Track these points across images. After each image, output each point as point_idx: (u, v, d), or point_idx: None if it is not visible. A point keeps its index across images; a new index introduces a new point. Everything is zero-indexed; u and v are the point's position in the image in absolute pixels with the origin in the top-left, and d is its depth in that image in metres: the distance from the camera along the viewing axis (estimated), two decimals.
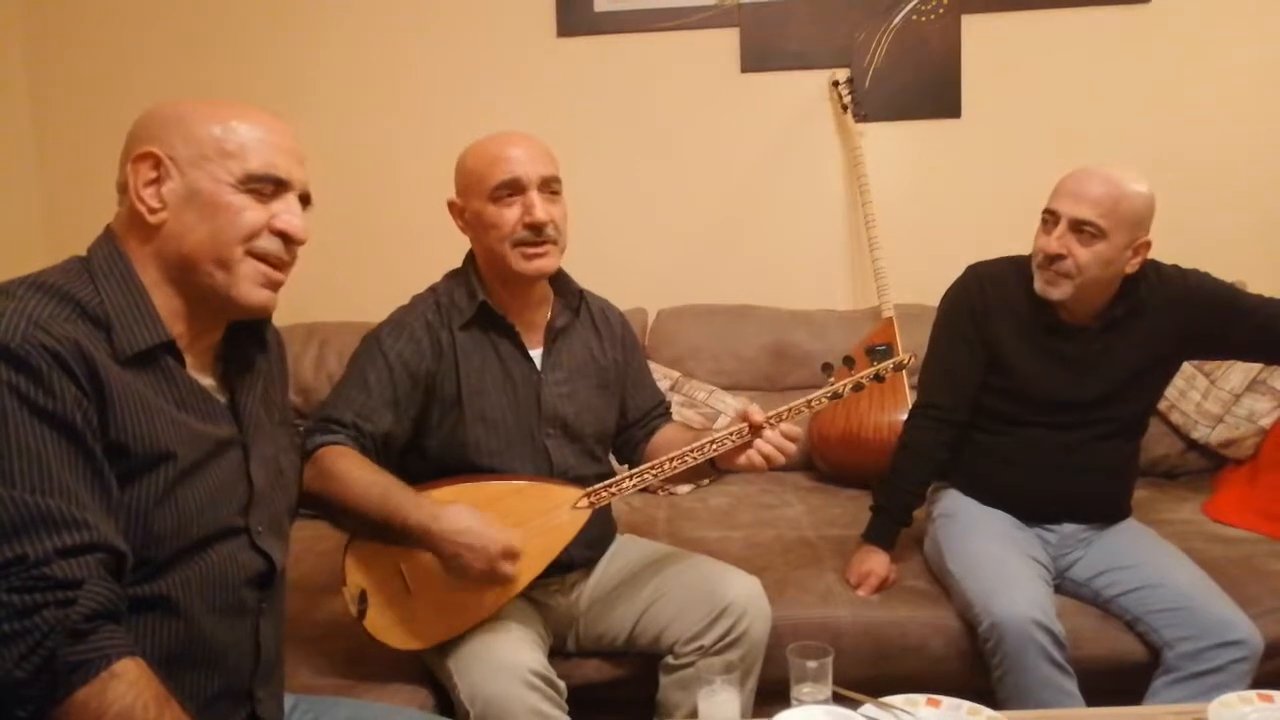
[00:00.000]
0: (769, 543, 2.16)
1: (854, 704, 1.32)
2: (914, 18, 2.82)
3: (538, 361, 1.72)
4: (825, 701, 1.31)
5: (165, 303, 1.10)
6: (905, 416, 2.12)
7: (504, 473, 1.66)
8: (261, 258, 1.13)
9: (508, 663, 1.50)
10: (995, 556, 1.83)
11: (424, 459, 1.67)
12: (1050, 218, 1.84)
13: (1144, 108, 2.82)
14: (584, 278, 1.83)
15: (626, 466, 1.83)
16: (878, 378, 1.64)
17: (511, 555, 1.48)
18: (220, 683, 1.14)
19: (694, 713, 1.40)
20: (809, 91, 2.88)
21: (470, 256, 1.74)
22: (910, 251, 2.78)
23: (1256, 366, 2.47)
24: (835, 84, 2.83)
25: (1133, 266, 1.84)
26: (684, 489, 2.53)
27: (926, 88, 2.85)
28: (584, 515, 1.62)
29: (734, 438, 1.60)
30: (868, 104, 2.83)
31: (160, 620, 1.07)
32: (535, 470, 1.69)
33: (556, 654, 1.75)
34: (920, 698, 1.38)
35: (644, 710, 1.76)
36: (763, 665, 1.70)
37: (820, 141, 2.90)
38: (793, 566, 2.03)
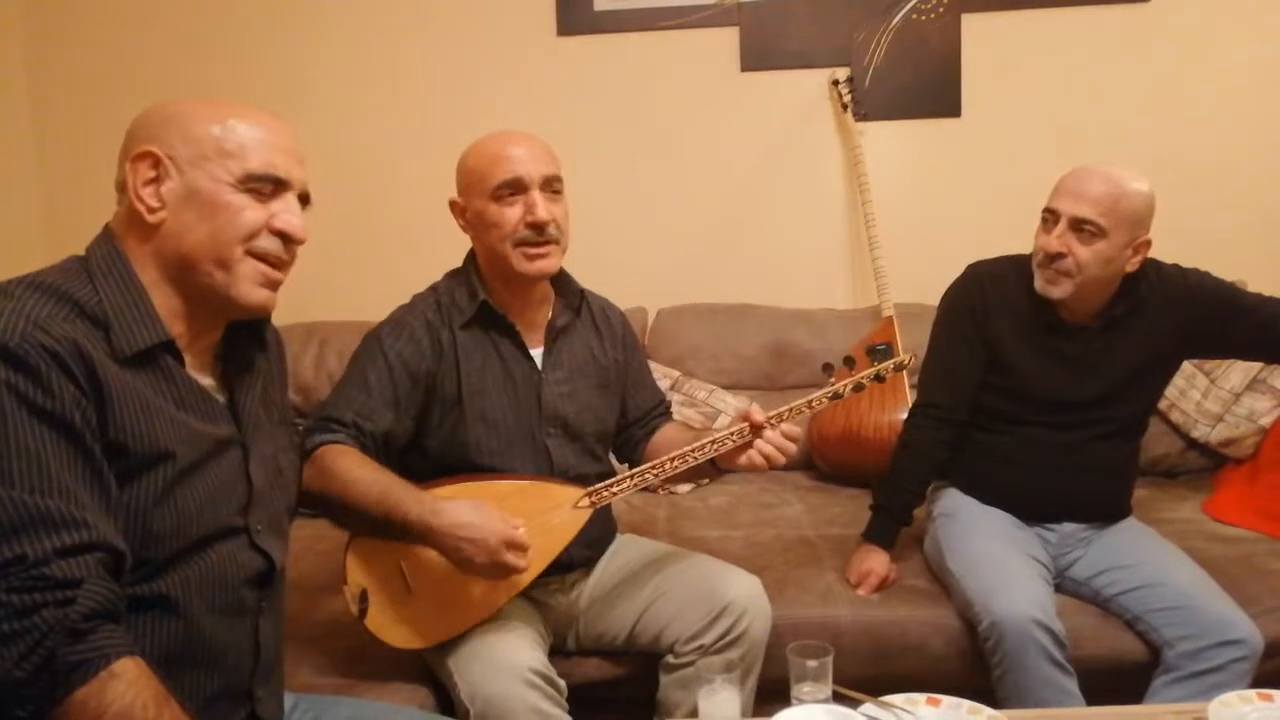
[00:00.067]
0: (769, 542, 2.16)
1: (854, 703, 1.32)
2: (914, 17, 2.82)
3: (538, 361, 1.72)
4: (825, 701, 1.31)
5: (164, 302, 1.10)
6: (905, 416, 2.12)
7: (505, 472, 1.66)
8: (261, 257, 1.13)
9: (508, 662, 1.50)
10: (995, 556, 1.83)
11: (425, 458, 1.67)
12: (1050, 216, 1.84)
13: (1144, 107, 2.82)
14: (584, 276, 1.82)
15: (627, 466, 1.83)
16: (878, 378, 1.64)
17: (514, 546, 1.48)
18: (220, 682, 1.14)
19: (694, 712, 1.40)
20: (809, 91, 2.88)
21: (471, 256, 1.74)
22: (910, 251, 2.78)
23: (1256, 365, 2.47)
24: (835, 83, 2.83)
25: (1133, 265, 1.84)
26: (684, 488, 2.53)
27: (926, 87, 2.85)
28: (585, 515, 1.62)
29: (735, 437, 1.60)
30: (868, 103, 2.83)
31: (160, 620, 1.07)
32: (536, 470, 1.69)
33: (557, 653, 1.75)
34: (920, 697, 1.38)
35: (644, 709, 1.76)
36: (763, 664, 1.70)
37: (820, 141, 2.90)
38: (793, 566, 2.03)
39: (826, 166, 2.91)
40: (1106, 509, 1.98)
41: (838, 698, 1.32)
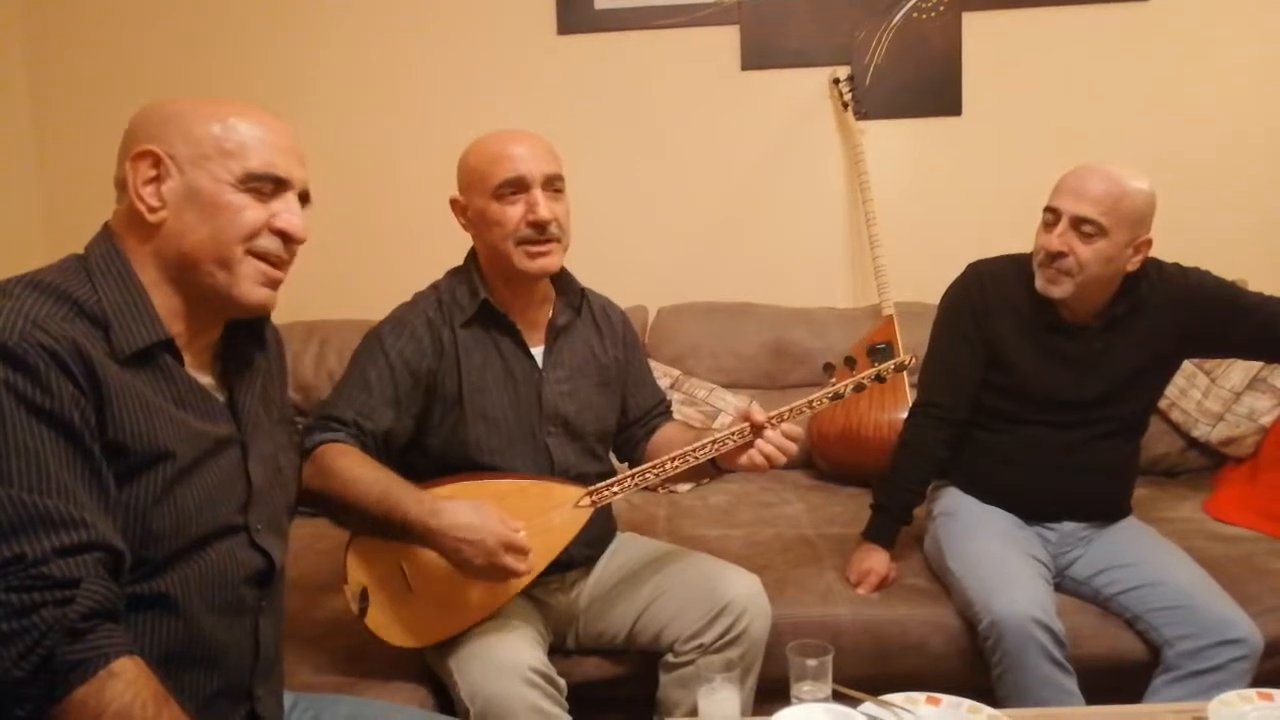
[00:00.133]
0: (769, 541, 2.16)
1: (854, 702, 1.32)
2: (914, 15, 2.82)
3: (539, 360, 1.72)
4: (825, 700, 1.31)
5: (164, 301, 1.10)
6: (905, 415, 2.12)
7: (505, 471, 1.66)
8: (261, 257, 1.13)
9: (508, 661, 1.50)
10: (995, 555, 1.83)
11: (425, 457, 1.67)
12: (1051, 215, 1.84)
13: (1144, 106, 2.82)
14: (584, 275, 1.82)
15: (627, 465, 1.83)
16: (879, 378, 1.64)
17: (513, 548, 1.47)
18: (219, 681, 1.14)
19: (694, 711, 1.40)
20: (809, 89, 2.88)
21: (472, 254, 1.74)
22: (911, 249, 2.77)
23: (1257, 365, 2.47)
24: (836, 81, 2.82)
25: (1134, 265, 1.84)
26: (684, 487, 2.53)
27: (927, 85, 2.85)
28: (585, 514, 1.62)
29: (735, 437, 1.60)
30: (868, 102, 2.83)
31: (159, 619, 1.07)
32: (536, 468, 1.69)
33: (557, 652, 1.75)
34: (920, 696, 1.38)
35: (644, 708, 1.76)
36: (763, 663, 1.70)
37: (821, 139, 2.90)
38: (793, 565, 2.03)
39: (827, 165, 2.91)
40: (1107, 508, 1.97)
41: (838, 697, 1.32)
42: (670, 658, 1.69)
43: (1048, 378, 1.92)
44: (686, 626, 1.67)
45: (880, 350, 1.63)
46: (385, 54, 2.92)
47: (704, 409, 2.61)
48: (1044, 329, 1.92)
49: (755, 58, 2.87)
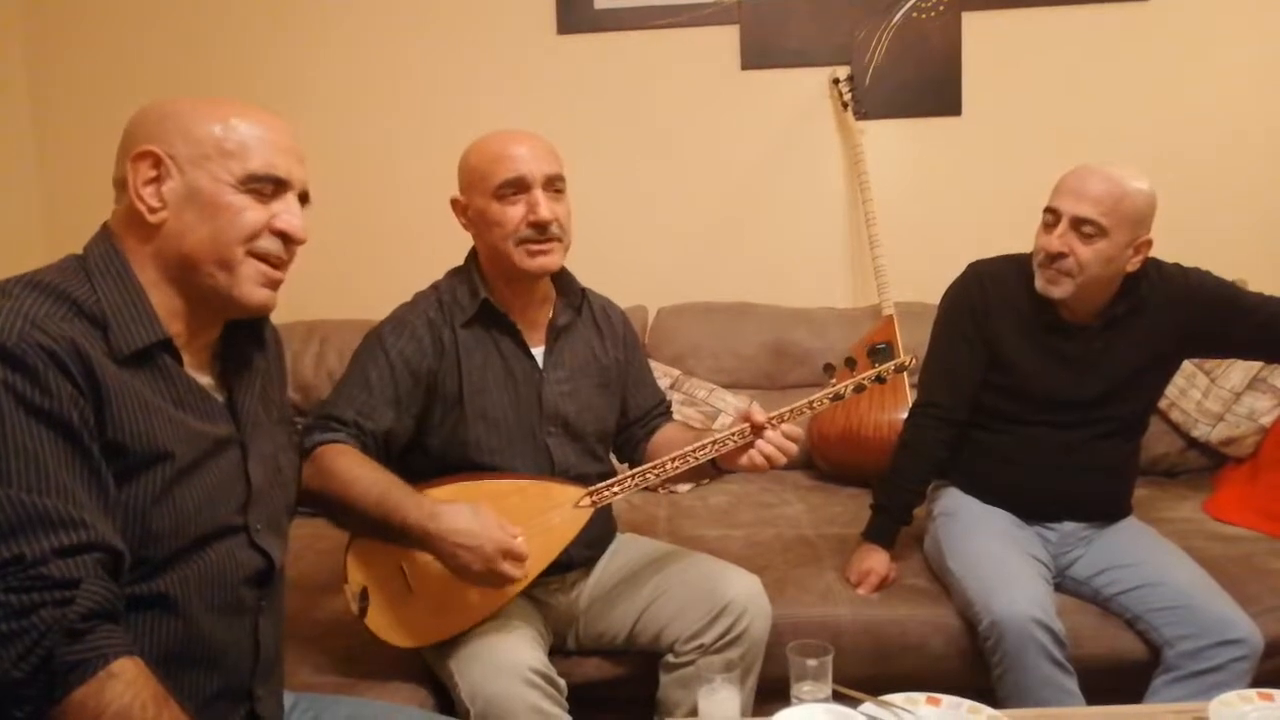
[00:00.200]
0: (769, 541, 2.16)
1: (854, 702, 1.32)
2: (914, 15, 2.82)
3: (539, 360, 1.72)
4: (825, 700, 1.31)
5: (164, 302, 1.10)
6: (905, 415, 2.12)
7: (505, 471, 1.66)
8: (262, 258, 1.13)
9: (508, 661, 1.50)
10: (995, 555, 1.83)
11: (426, 457, 1.67)
12: (1051, 216, 1.84)
13: (1144, 106, 2.82)
14: (584, 275, 1.82)
15: (627, 465, 1.83)
16: (879, 379, 1.64)
17: (511, 555, 1.47)
18: (219, 681, 1.14)
19: (694, 711, 1.40)
20: (809, 89, 2.88)
21: (473, 254, 1.74)
22: (911, 249, 2.77)
23: (1257, 365, 2.47)
24: (836, 81, 2.82)
25: (1134, 265, 1.84)
26: (684, 488, 2.53)
27: (927, 85, 2.85)
28: (585, 514, 1.62)
29: (736, 438, 1.59)
30: (868, 101, 2.83)
31: (159, 619, 1.07)
32: (536, 469, 1.68)
33: (557, 652, 1.75)
34: (920, 696, 1.38)
35: (644, 708, 1.76)
36: (763, 664, 1.70)
37: (820, 139, 2.90)
38: (793, 565, 2.03)
39: (827, 165, 2.91)
40: (1107, 508, 1.97)
41: (838, 697, 1.32)
42: (670, 658, 1.69)
43: (1048, 378, 1.92)
44: (687, 627, 1.67)
45: (880, 351, 1.64)
46: (385, 54, 2.92)
47: (704, 409, 2.61)
48: (1044, 329, 1.92)
49: (755, 57, 2.86)
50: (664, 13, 2.85)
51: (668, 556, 1.79)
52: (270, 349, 1.29)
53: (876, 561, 1.95)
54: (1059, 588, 1.88)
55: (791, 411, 1.61)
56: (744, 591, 1.68)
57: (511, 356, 1.70)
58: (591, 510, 1.62)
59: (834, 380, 1.64)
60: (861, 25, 2.83)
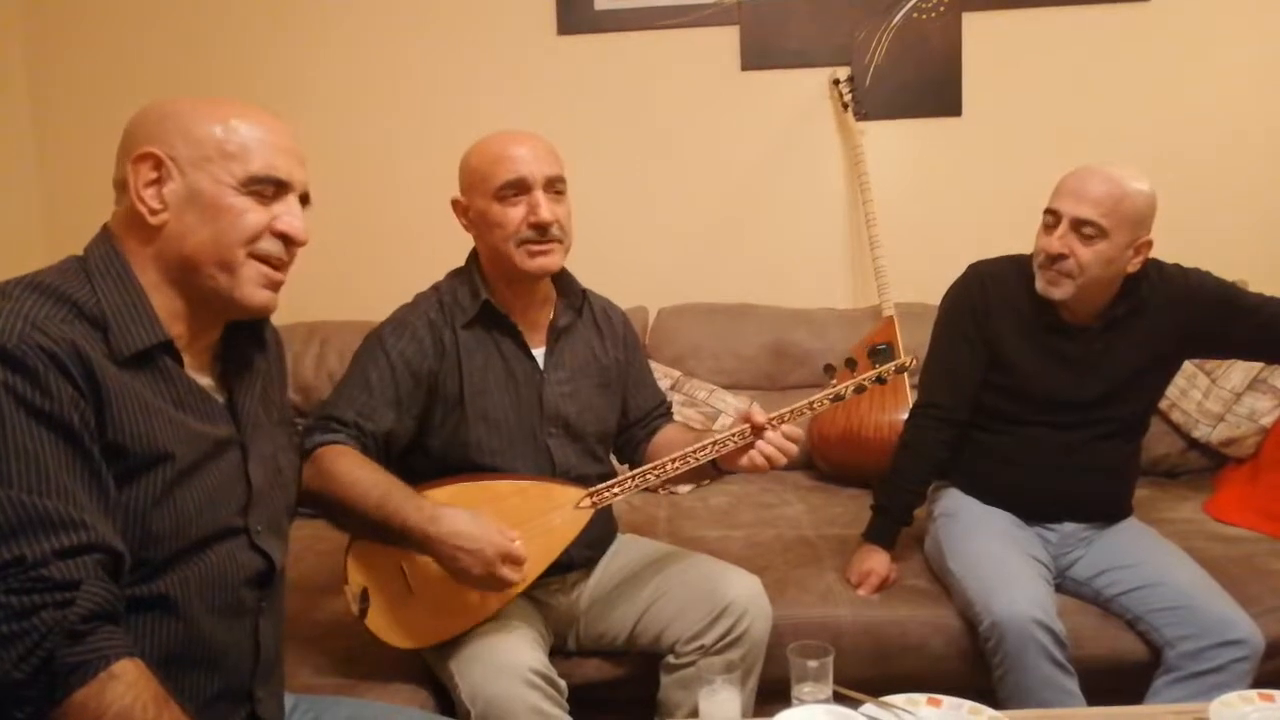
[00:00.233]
0: (769, 542, 2.16)
1: (855, 703, 1.32)
2: (915, 15, 2.82)
3: (540, 361, 1.72)
4: (826, 701, 1.31)
5: (165, 303, 1.10)
6: (906, 416, 2.12)
7: (506, 472, 1.66)
8: (263, 259, 1.13)
9: (509, 662, 1.50)
10: (996, 555, 1.83)
11: (426, 458, 1.67)
12: (1052, 217, 1.84)
13: (1144, 106, 2.82)
14: (584, 276, 1.82)
15: (627, 466, 1.83)
16: (879, 380, 1.64)
17: (510, 559, 1.48)
18: (220, 683, 1.14)
19: (695, 712, 1.40)
20: (809, 90, 2.88)
21: (473, 255, 1.74)
22: (911, 250, 2.77)
23: (1257, 365, 2.47)
24: (836, 82, 2.82)
25: (1134, 266, 1.84)
26: (684, 488, 2.53)
27: (927, 86, 2.85)
28: (586, 515, 1.62)
29: (736, 439, 1.59)
30: (868, 102, 2.83)
31: (159, 620, 1.07)
32: (537, 470, 1.68)
33: (557, 653, 1.75)
34: (921, 697, 1.38)
35: (645, 709, 1.76)
36: (763, 664, 1.70)
37: (821, 140, 2.90)
38: (793, 566, 2.03)
39: (827, 166, 2.91)
40: (1107, 509, 1.97)
41: (838, 698, 1.32)
42: (671, 659, 1.69)
43: (1048, 378, 1.92)
44: (687, 628, 1.67)
45: (881, 351, 1.64)
46: (385, 54, 2.91)
47: (704, 410, 2.61)
48: (1044, 330, 1.92)
49: (755, 58, 2.86)
50: (664, 13, 2.84)
51: (668, 557, 1.79)
52: (271, 350, 1.29)
53: (877, 562, 1.95)
54: (1060, 588, 1.88)
55: (792, 412, 1.61)
56: (744, 592, 1.68)
57: (512, 357, 1.70)
58: (592, 511, 1.62)
59: (834, 381, 1.64)
60: (861, 26, 2.83)
